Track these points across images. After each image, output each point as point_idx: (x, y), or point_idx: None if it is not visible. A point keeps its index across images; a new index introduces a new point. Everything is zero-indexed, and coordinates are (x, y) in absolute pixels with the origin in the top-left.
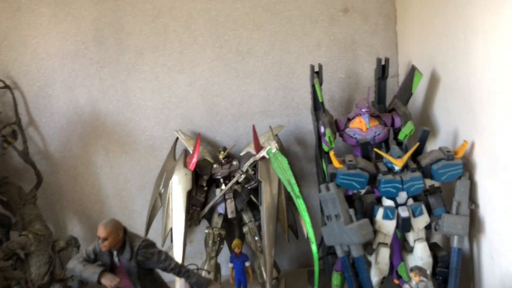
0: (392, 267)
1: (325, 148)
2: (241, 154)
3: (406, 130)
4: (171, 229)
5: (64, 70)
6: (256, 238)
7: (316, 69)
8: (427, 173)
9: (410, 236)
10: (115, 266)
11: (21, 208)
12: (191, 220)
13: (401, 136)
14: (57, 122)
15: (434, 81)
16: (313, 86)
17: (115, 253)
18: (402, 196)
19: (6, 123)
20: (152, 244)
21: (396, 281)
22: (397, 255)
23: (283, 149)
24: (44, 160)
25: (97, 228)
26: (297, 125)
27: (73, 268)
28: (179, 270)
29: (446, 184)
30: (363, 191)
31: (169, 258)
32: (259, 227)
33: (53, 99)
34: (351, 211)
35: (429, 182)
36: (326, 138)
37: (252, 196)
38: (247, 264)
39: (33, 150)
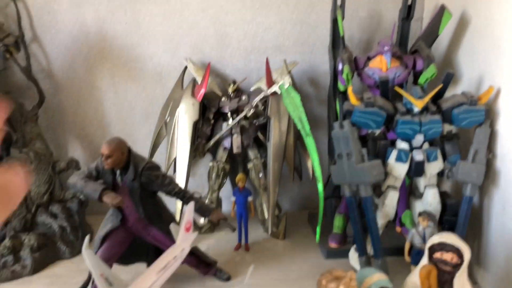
0: (395, 215)
1: (341, 87)
2: (251, 89)
3: (428, 74)
4: (175, 159)
5: None
6: (260, 175)
7: (339, 3)
8: (447, 117)
9: (421, 182)
10: (117, 185)
11: (22, 125)
12: (196, 152)
13: (421, 80)
14: (61, 40)
15: (462, 24)
16: (334, 20)
17: (118, 172)
18: (418, 139)
19: (7, 33)
20: (157, 167)
21: (398, 229)
22: (402, 203)
23: (295, 86)
24: (47, 79)
25: (101, 146)
26: (312, 64)
27: (74, 183)
28: (183, 195)
29: (463, 133)
30: (377, 132)
31: (173, 182)
32: (264, 165)
33: (59, 15)
34: (364, 150)
35: (447, 128)
36: (344, 76)
37: (259, 133)
38: (249, 198)
39: (36, 68)
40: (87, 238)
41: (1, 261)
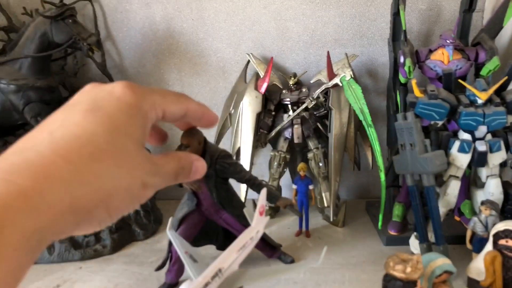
0: (455, 204)
1: (402, 79)
2: (311, 81)
3: (491, 65)
4: (239, 149)
5: None
6: (320, 165)
7: None
8: (511, 109)
9: (483, 172)
10: None
11: None
12: (258, 142)
13: (484, 72)
14: (133, 38)
15: None
16: (395, 13)
17: None
18: (482, 131)
19: (90, 33)
20: (229, 155)
21: (457, 218)
22: (461, 193)
23: (356, 78)
24: (120, 74)
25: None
26: (371, 57)
27: None
28: (253, 182)
29: None
30: (440, 123)
31: (244, 169)
32: (324, 154)
33: (130, 14)
34: (427, 141)
35: (511, 119)
36: (406, 68)
37: (319, 124)
38: (311, 187)
39: (110, 64)
40: (171, 219)
41: (85, 241)
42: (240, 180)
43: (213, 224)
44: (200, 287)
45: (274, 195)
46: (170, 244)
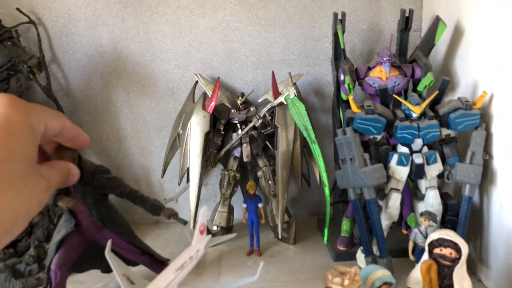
0: (401, 218)
1: (344, 96)
2: (259, 101)
3: (426, 81)
4: (187, 169)
5: (88, 8)
6: (270, 182)
7: (340, 17)
8: (444, 122)
9: (422, 184)
10: (69, 191)
11: None
12: (208, 162)
13: (420, 87)
14: (79, 60)
15: (457, 33)
16: (335, 33)
17: None
18: (418, 143)
19: (31, 55)
20: (107, 170)
21: (404, 232)
22: (407, 206)
23: (300, 97)
24: (66, 97)
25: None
26: (316, 76)
27: None
28: (134, 195)
29: (461, 136)
30: (379, 137)
31: (123, 184)
32: (273, 172)
33: (76, 37)
34: (366, 155)
35: (445, 132)
36: (345, 86)
37: (267, 142)
38: (260, 205)
39: (55, 87)
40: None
41: (27, 270)
42: (121, 195)
43: (95, 246)
44: None
45: (157, 207)
46: (49, 271)
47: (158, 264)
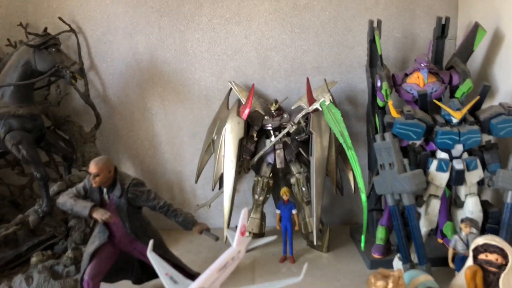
0: (437, 227)
1: (380, 103)
2: (292, 107)
3: (464, 88)
4: (221, 175)
5: (126, 17)
6: (303, 189)
7: (375, 25)
8: (485, 127)
9: (462, 190)
10: (105, 203)
11: (81, 145)
12: (241, 168)
13: (458, 94)
14: (116, 68)
15: (496, 39)
16: (371, 40)
17: (105, 190)
18: (458, 149)
19: (74, 61)
20: (142, 183)
21: (440, 240)
22: (443, 214)
23: (335, 104)
24: (103, 103)
25: (89, 165)
26: (349, 83)
27: (64, 202)
28: (167, 208)
29: (503, 142)
30: (418, 143)
31: (157, 196)
32: (306, 179)
33: (114, 45)
34: (405, 161)
35: (486, 138)
36: (383, 92)
37: (300, 149)
38: (294, 211)
39: (93, 94)
40: (151, 242)
41: (65, 271)
42: (154, 208)
43: (127, 257)
44: None
45: (189, 221)
46: (82, 281)
47: (188, 277)
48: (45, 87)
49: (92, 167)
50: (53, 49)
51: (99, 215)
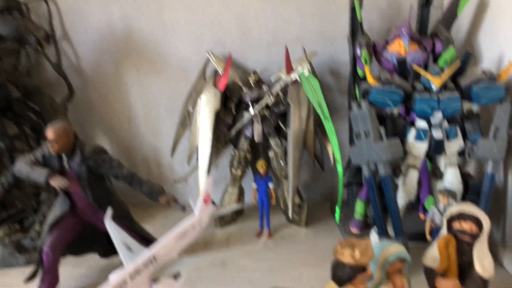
0: (418, 201)
1: (360, 73)
2: (272, 79)
3: (447, 55)
4: (197, 148)
5: None
6: (282, 163)
7: None
8: (466, 95)
9: (442, 161)
10: (64, 171)
11: (52, 117)
12: (218, 142)
13: (441, 62)
14: (90, 38)
15: (481, 7)
16: (352, 8)
17: (64, 158)
18: (437, 117)
19: (39, 26)
20: (104, 151)
21: (421, 215)
22: (425, 189)
23: (315, 74)
24: (76, 74)
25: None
26: (332, 55)
27: (19, 169)
28: (132, 177)
29: (485, 111)
30: (396, 111)
31: (121, 165)
32: (285, 153)
33: (88, 14)
34: (382, 129)
35: (467, 106)
36: (362, 60)
37: (280, 122)
38: (271, 185)
39: (66, 64)
40: (108, 209)
41: (31, 245)
42: (117, 177)
43: (94, 229)
44: (130, 274)
45: (156, 191)
46: (41, 252)
47: (147, 243)
48: (13, 55)
49: (50, 133)
50: (17, 14)
51: (57, 182)
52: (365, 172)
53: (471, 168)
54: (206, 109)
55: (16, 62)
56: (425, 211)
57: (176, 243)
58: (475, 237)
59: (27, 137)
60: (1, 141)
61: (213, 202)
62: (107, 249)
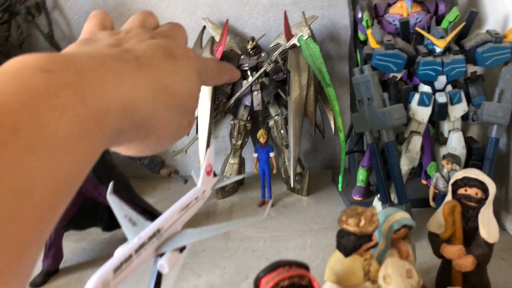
0: (420, 167)
1: (361, 36)
2: (270, 46)
3: (451, 17)
4: (196, 118)
5: None
6: (282, 132)
7: None
8: (470, 57)
9: (445, 126)
10: None
11: None
12: (217, 111)
13: (444, 24)
14: (82, 6)
15: None
16: None
17: None
18: (441, 81)
19: None
20: None
21: (424, 182)
22: (427, 155)
23: (315, 40)
24: (69, 45)
25: None
26: (332, 19)
27: None
28: None
29: (490, 74)
30: (399, 76)
31: None
32: (285, 121)
33: None
34: (385, 95)
35: (471, 69)
36: (363, 23)
37: (279, 90)
38: (271, 154)
39: (59, 35)
40: (111, 184)
41: None
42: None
43: (94, 202)
44: (135, 248)
45: (156, 163)
46: None
47: (150, 215)
48: (3, 24)
49: None
50: None
51: None
52: (368, 139)
53: (473, 133)
54: None
55: (8, 34)
56: (427, 177)
57: (179, 215)
58: (480, 202)
59: None
60: None
61: (215, 174)
62: (110, 223)
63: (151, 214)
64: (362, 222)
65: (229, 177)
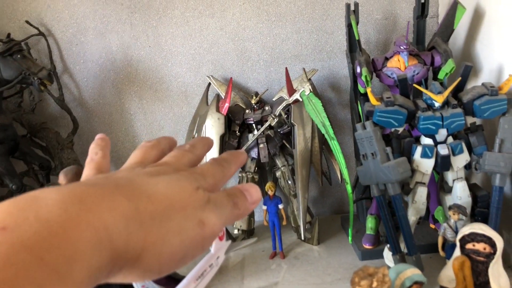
0: (428, 212)
1: (361, 89)
2: (274, 99)
3: (447, 68)
4: None
5: (96, 16)
6: (289, 182)
7: (352, 8)
8: (468, 109)
9: (449, 176)
10: None
11: (59, 152)
12: None
13: (441, 75)
14: (90, 69)
15: (477, 16)
16: (349, 25)
17: None
18: (442, 134)
19: (41, 67)
20: None
21: (432, 226)
22: (433, 199)
23: (316, 92)
24: (79, 107)
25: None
26: (331, 70)
27: None
28: None
29: (489, 124)
30: (400, 130)
31: None
32: (292, 171)
33: (86, 45)
34: (388, 149)
35: (470, 120)
36: (362, 78)
37: (284, 141)
38: (280, 206)
39: (68, 98)
40: None
41: None
42: None
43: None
44: None
45: None
46: None
47: (175, 282)
48: (17, 95)
49: (61, 179)
50: (18, 56)
51: None
52: (375, 192)
53: (477, 179)
54: (211, 134)
55: (20, 100)
56: (435, 221)
57: (196, 284)
58: (489, 256)
59: (36, 174)
60: (12, 182)
61: (228, 237)
62: None
63: (170, 277)
64: (375, 284)
65: (241, 241)
